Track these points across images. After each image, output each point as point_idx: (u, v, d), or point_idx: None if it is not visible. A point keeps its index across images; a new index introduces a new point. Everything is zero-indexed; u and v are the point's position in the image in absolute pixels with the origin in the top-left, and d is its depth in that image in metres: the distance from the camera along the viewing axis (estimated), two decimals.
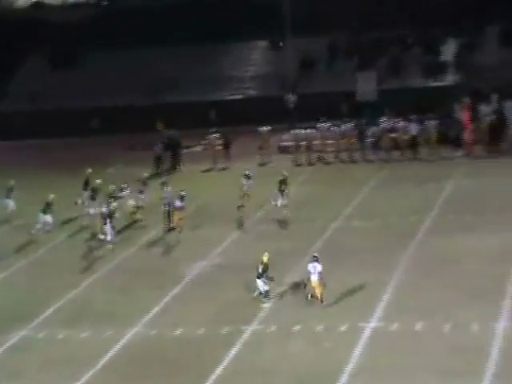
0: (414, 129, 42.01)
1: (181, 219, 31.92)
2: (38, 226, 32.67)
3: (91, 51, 56.80)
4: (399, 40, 54.23)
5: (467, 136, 41.23)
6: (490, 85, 45.52)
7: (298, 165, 42.16)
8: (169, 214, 32.50)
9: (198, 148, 46.50)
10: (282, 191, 33.17)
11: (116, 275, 28.73)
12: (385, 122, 43.20)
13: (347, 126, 43.38)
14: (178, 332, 23.61)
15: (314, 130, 43.73)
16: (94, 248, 31.51)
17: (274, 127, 44.98)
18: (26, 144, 51.57)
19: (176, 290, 26.74)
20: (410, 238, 29.40)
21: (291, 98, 52.06)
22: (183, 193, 32.06)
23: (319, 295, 24.43)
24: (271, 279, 24.93)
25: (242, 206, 32.89)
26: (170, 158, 43.58)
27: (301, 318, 23.67)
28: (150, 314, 24.96)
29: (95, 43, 56.17)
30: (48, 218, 32.82)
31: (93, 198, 33.96)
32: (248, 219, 32.96)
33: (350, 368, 20.63)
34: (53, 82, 56.12)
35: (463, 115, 41.74)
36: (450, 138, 42.07)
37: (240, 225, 32.36)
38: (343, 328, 22.82)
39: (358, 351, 21.46)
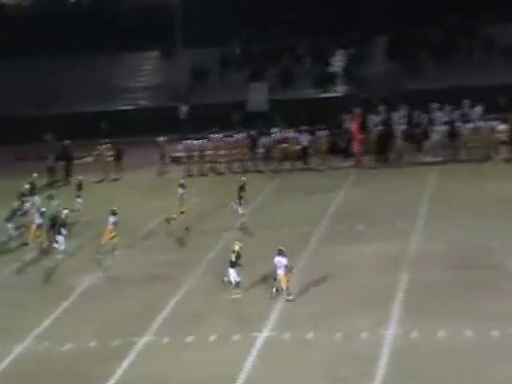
0: (304, 139, 42.51)
1: (113, 237, 30.46)
2: None
3: None
4: (290, 51, 54.88)
5: (356, 146, 41.96)
6: (377, 95, 46.48)
7: (191, 175, 42.11)
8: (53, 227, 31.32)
9: (89, 159, 45.94)
10: (240, 198, 32.78)
11: (4, 290, 28.11)
12: (276, 133, 43.62)
13: (239, 137, 43.63)
14: (68, 346, 23.27)
15: (206, 141, 43.78)
16: None
17: (167, 138, 44.82)
18: None
19: (67, 304, 26.36)
20: (301, 247, 29.68)
21: (183, 109, 52.05)
22: (115, 208, 31.04)
23: (284, 288, 24.83)
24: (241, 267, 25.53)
25: (172, 219, 32.63)
26: (61, 169, 42.99)
27: (194, 328, 23.64)
28: (40, 329, 24.52)
29: None
30: None
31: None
32: (139, 230, 32.86)
33: (243, 377, 20.72)
34: None
35: (352, 126, 42.45)
36: (339, 149, 42.70)
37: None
38: (236, 338, 22.89)
39: (251, 360, 21.55)
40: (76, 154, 44.45)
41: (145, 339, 23.32)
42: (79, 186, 36.58)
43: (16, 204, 33.33)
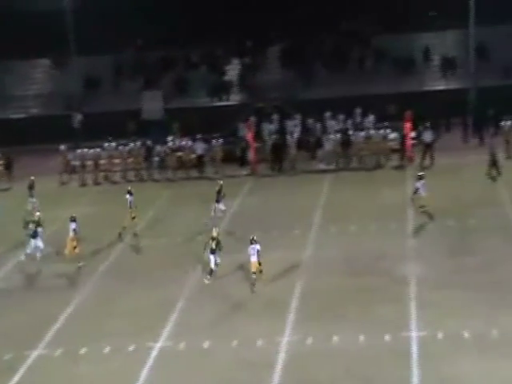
0: (199, 148, 42.50)
1: (75, 247, 29.53)
2: None
3: None
4: (184, 59, 54.85)
5: (252, 155, 42.17)
6: (272, 104, 46.85)
7: (84, 184, 41.58)
8: None
9: None
10: (217, 201, 32.67)
11: None
12: (171, 141, 43.49)
13: (134, 145, 43.31)
14: None
15: (100, 150, 43.29)
16: None
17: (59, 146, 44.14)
18: None
19: None
20: (197, 256, 29.59)
21: (77, 117, 51.43)
22: (74, 215, 30.11)
23: (260, 271, 26.04)
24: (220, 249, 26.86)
25: (125, 227, 32.00)
26: None
27: (87, 340, 23.31)
28: None
29: None
30: None
31: None
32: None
33: None
34: None
35: (248, 134, 42.66)
36: (235, 157, 42.84)
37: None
38: (131, 348, 22.67)
39: (146, 371, 21.39)
40: None
41: (37, 352, 22.87)
42: (31, 187, 35.73)
43: None
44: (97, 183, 42.04)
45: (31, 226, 30.15)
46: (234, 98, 52.82)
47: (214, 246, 26.84)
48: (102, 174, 42.62)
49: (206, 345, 22.58)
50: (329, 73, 52.13)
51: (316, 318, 23.64)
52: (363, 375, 20.39)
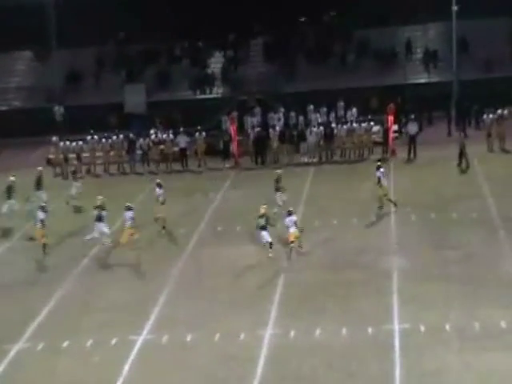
0: (182, 141, 42.43)
1: (132, 234, 29.61)
2: None
3: None
4: (167, 52, 54.72)
5: (234, 148, 42.14)
6: (254, 97, 46.81)
7: (66, 178, 41.41)
8: None
9: None
10: (278, 189, 32.80)
11: None
12: (153, 135, 43.39)
13: (116, 139, 43.18)
14: None
15: (82, 143, 43.13)
16: None
17: (42, 139, 44.02)
18: None
19: None
20: (180, 249, 29.62)
21: (59, 110, 51.23)
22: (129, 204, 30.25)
23: (295, 242, 27.38)
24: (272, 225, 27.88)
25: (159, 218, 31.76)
26: None
27: (70, 333, 23.25)
28: None
29: None
30: None
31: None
32: (17, 233, 32.28)
33: (121, 381, 20.53)
34: None
35: (230, 127, 42.61)
36: (218, 150, 42.79)
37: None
38: (113, 342, 22.63)
39: (128, 365, 21.36)
40: None
41: (18, 346, 22.79)
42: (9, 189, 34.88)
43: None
44: (79, 177, 41.80)
45: (96, 211, 30.21)
46: (217, 91, 52.74)
47: (263, 223, 27.71)
48: (84, 167, 42.47)
49: (188, 338, 22.57)
50: (311, 66, 52.14)
51: (298, 312, 23.67)
52: (345, 368, 20.44)
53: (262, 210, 27.98)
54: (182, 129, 43.04)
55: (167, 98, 51.63)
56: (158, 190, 32.31)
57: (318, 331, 22.36)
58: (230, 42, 54.46)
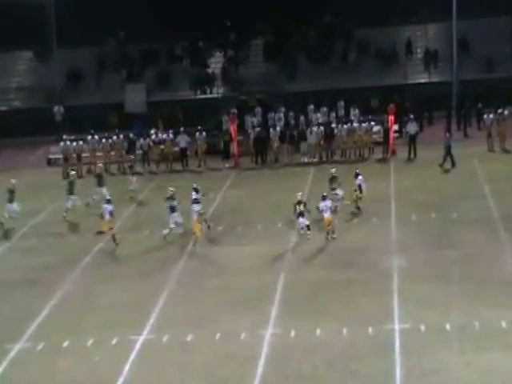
0: (182, 141, 42.42)
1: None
2: None
3: None
4: (167, 52, 54.72)
5: (235, 148, 42.13)
6: (255, 97, 46.81)
7: (67, 178, 41.31)
8: None
9: None
10: (332, 189, 32.00)
11: None
12: (154, 135, 43.39)
13: (116, 139, 43.18)
14: None
15: (83, 143, 43.14)
16: None
17: (41, 139, 44.02)
18: None
19: None
20: (180, 249, 29.61)
21: (59, 110, 51.24)
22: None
23: (331, 228, 28.81)
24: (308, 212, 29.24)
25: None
26: None
27: (70, 333, 23.23)
28: None
29: None
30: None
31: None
32: (17, 233, 32.32)
33: (121, 381, 20.49)
34: None
35: (231, 127, 42.60)
36: (218, 150, 42.78)
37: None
38: (114, 341, 22.61)
39: (129, 364, 21.33)
40: None
41: (18, 345, 22.77)
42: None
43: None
44: (80, 176, 41.82)
45: (167, 203, 30.60)
46: (217, 91, 52.73)
47: (301, 209, 29.07)
48: (85, 166, 42.49)
49: (189, 338, 22.55)
50: (312, 66, 52.14)
51: (299, 311, 23.66)
52: (346, 368, 20.41)
53: (298, 197, 29.40)
54: (182, 129, 43.04)
55: (168, 97, 51.67)
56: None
57: (318, 331, 22.34)
58: (230, 42, 54.47)
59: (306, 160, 41.63)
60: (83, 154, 42.81)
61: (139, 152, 42.60)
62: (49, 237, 31.68)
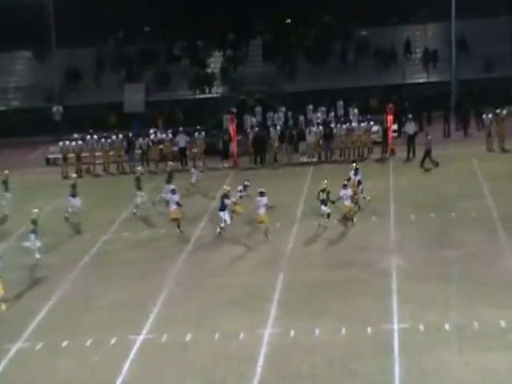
0: (181, 140, 42.41)
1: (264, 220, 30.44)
2: None
3: None
4: (166, 52, 54.71)
5: (234, 147, 42.13)
6: (254, 97, 46.82)
7: (66, 177, 41.38)
8: None
9: None
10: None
11: None
12: (153, 134, 43.38)
13: (115, 138, 43.17)
14: None
15: (82, 142, 43.13)
16: None
17: (40, 139, 43.99)
18: None
19: None
20: (179, 249, 29.61)
21: (58, 110, 51.21)
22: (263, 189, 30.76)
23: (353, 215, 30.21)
24: (333, 202, 30.18)
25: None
26: None
27: (69, 333, 23.22)
28: None
29: None
30: None
31: None
32: (17, 232, 32.31)
33: (120, 381, 20.50)
34: None
35: (230, 127, 42.60)
36: (217, 150, 42.77)
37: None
38: (113, 341, 22.60)
39: (128, 364, 21.33)
40: None
41: (18, 345, 22.77)
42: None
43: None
44: (79, 176, 41.83)
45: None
46: (216, 91, 52.73)
47: (324, 197, 29.91)
48: (84, 166, 42.49)
49: (188, 337, 22.54)
50: (311, 65, 52.14)
51: (298, 311, 23.65)
52: (345, 367, 20.41)
53: (324, 185, 30.17)
54: (181, 128, 43.04)
55: (166, 97, 51.69)
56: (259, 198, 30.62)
57: (317, 330, 22.34)
58: (229, 42, 54.46)
59: (305, 160, 41.64)
60: (82, 154, 42.79)
61: (138, 152, 42.59)
62: (48, 236, 31.62)
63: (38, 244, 29.28)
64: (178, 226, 31.23)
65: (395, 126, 42.39)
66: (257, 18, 53.93)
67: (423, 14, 52.88)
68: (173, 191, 31.76)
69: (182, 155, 42.27)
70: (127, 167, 42.34)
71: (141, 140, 42.84)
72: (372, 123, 42.37)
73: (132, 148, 42.69)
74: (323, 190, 30.25)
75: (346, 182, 30.81)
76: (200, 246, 29.92)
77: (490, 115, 41.18)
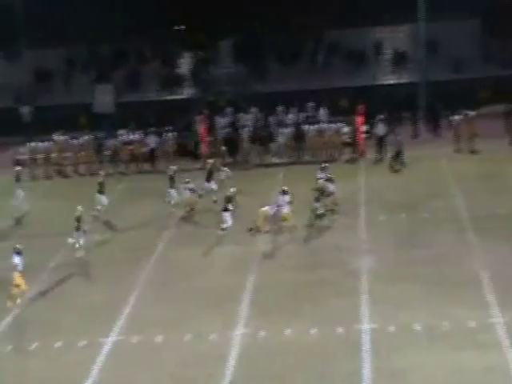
0: (152, 141, 42.29)
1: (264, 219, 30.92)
2: None
3: None
4: (137, 53, 54.52)
5: (204, 148, 42.04)
6: (225, 98, 46.77)
7: (35, 178, 41.11)
8: None
9: None
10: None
11: None
12: (123, 135, 43.20)
13: (85, 139, 42.94)
14: None
15: (51, 143, 42.84)
16: None
17: (9, 140, 43.68)
18: None
19: None
20: (150, 250, 29.50)
21: (27, 111, 50.84)
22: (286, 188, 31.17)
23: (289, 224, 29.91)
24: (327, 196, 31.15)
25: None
26: None
27: (38, 335, 23.08)
28: None
29: None
30: None
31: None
32: None
33: (90, 383, 20.38)
34: None
35: (201, 128, 42.51)
36: (187, 151, 42.68)
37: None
38: (83, 343, 22.49)
39: (97, 366, 21.25)
40: None
41: None
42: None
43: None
44: (48, 177, 41.61)
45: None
46: (187, 92, 52.62)
47: (317, 195, 30.73)
48: (53, 167, 42.21)
49: (158, 339, 22.49)
50: (281, 66, 52.16)
51: (269, 312, 23.67)
52: (315, 368, 20.46)
53: (319, 184, 31.28)
54: (151, 129, 42.89)
55: (137, 98, 51.47)
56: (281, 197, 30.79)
57: (288, 331, 22.37)
58: (199, 43, 54.31)
59: (276, 161, 41.62)
60: (52, 155, 42.48)
61: (108, 152, 42.39)
62: (19, 237, 31.39)
63: (82, 241, 29.05)
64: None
65: (365, 127, 42.48)
66: (228, 18, 53.82)
67: (394, 15, 53.03)
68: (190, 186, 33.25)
69: (152, 156, 42.11)
70: (97, 168, 42.01)
71: (111, 141, 42.62)
72: (342, 124, 42.43)
73: (102, 149, 42.45)
74: (318, 189, 31.01)
75: (285, 189, 30.60)
76: (170, 248, 29.82)
77: (459, 116, 41.40)
